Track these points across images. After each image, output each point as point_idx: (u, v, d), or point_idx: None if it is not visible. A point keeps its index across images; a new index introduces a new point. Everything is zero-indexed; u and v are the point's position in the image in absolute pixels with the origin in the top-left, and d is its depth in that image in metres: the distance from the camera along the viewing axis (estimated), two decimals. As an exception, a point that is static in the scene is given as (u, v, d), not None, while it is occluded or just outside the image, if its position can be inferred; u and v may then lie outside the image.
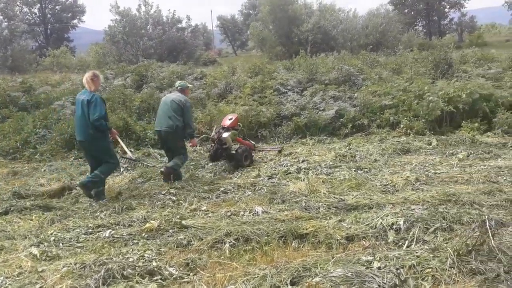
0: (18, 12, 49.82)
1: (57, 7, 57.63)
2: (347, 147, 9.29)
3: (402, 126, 10.59)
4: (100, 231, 5.19)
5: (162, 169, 7.41)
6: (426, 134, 10.11)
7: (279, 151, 9.40)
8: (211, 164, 8.67)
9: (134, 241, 4.87)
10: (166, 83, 14.72)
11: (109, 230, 5.17)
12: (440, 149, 8.88)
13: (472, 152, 8.34)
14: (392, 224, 4.78)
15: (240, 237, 4.69)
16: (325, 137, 10.73)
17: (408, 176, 6.76)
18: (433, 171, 7.20)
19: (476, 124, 10.26)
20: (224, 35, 66.82)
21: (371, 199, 5.88)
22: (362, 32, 35.94)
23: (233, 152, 8.50)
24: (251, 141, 9.58)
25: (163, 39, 36.14)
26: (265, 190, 6.59)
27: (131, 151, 8.59)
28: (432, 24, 51.71)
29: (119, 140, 7.50)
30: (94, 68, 20.35)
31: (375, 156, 8.49)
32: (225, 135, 8.44)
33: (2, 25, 42.62)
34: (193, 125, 7.73)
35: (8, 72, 31.21)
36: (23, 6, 54.71)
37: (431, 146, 9.18)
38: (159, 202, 6.26)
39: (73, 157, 9.49)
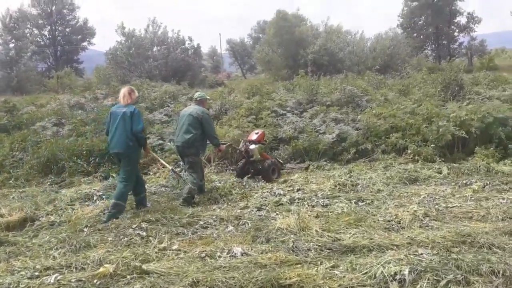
0: (28, 34, 49.82)
1: (67, 29, 57.32)
2: (348, 175, 8.38)
3: (409, 151, 9.69)
4: (47, 275, 4.34)
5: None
6: (436, 161, 9.21)
7: (306, 168, 9.48)
8: (236, 179, 8.52)
9: (82, 290, 4.03)
10: (157, 103, 13.97)
11: (56, 274, 4.32)
12: (452, 179, 8.03)
13: (488, 182, 7.44)
14: (395, 273, 3.97)
15: (208, 288, 3.84)
16: (325, 162, 9.81)
17: (415, 210, 5.94)
18: (444, 205, 6.35)
19: (491, 150, 9.35)
20: (233, 58, 66.56)
21: (371, 238, 5.04)
22: (369, 54, 35.17)
23: (260, 167, 8.79)
24: (279, 159, 9.61)
25: (167, 60, 35.63)
26: (249, 225, 5.72)
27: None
28: (442, 48, 50.98)
29: (154, 154, 7.85)
30: (95, 89, 20.02)
31: (378, 185, 7.63)
32: (252, 147, 8.82)
33: (9, 46, 42.59)
34: (216, 135, 7.79)
35: (11, 93, 30.84)
36: (33, 28, 54.66)
37: (441, 175, 8.31)
38: (125, 239, 5.39)
39: (48, 183, 8.69)
